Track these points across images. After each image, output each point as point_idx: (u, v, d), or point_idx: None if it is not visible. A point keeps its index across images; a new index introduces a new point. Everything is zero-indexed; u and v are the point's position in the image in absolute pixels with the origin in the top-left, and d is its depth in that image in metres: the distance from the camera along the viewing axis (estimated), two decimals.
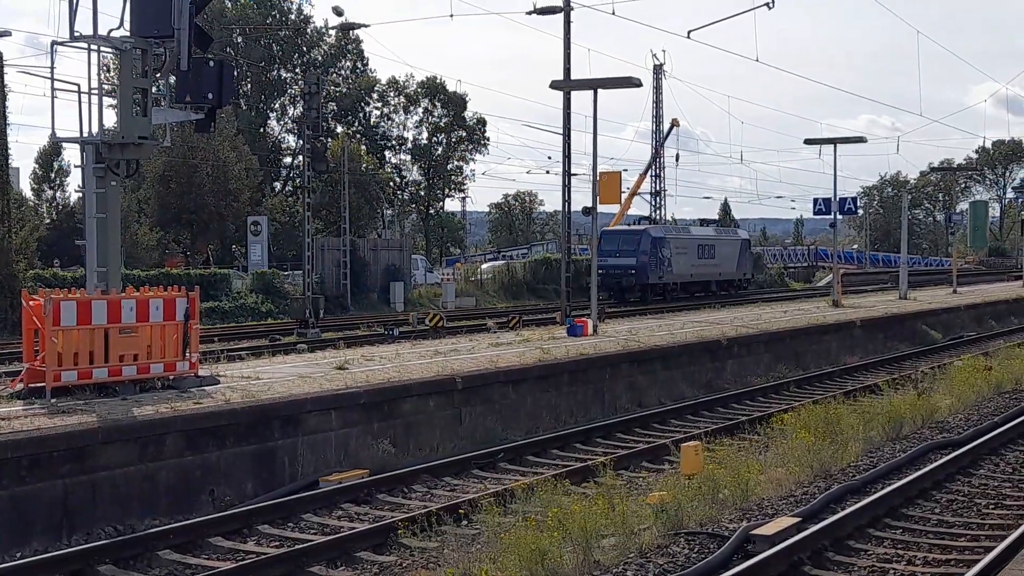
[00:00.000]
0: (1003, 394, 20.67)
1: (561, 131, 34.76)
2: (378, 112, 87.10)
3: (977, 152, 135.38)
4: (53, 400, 13.88)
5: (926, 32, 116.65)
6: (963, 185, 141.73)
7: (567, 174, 35.13)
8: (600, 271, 49.77)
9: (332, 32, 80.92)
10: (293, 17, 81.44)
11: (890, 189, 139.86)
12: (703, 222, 65.27)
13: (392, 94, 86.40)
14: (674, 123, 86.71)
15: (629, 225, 64.51)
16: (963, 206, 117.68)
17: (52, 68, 16.15)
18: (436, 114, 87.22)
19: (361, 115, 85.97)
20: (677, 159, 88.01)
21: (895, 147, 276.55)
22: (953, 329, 37.12)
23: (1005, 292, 50.80)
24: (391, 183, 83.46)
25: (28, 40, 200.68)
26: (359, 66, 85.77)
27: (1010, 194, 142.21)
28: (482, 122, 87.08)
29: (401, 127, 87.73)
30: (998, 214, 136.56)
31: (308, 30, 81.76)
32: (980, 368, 22.37)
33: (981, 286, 59.41)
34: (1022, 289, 53.92)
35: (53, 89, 16.12)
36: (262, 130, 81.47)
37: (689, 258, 57.69)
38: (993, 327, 39.88)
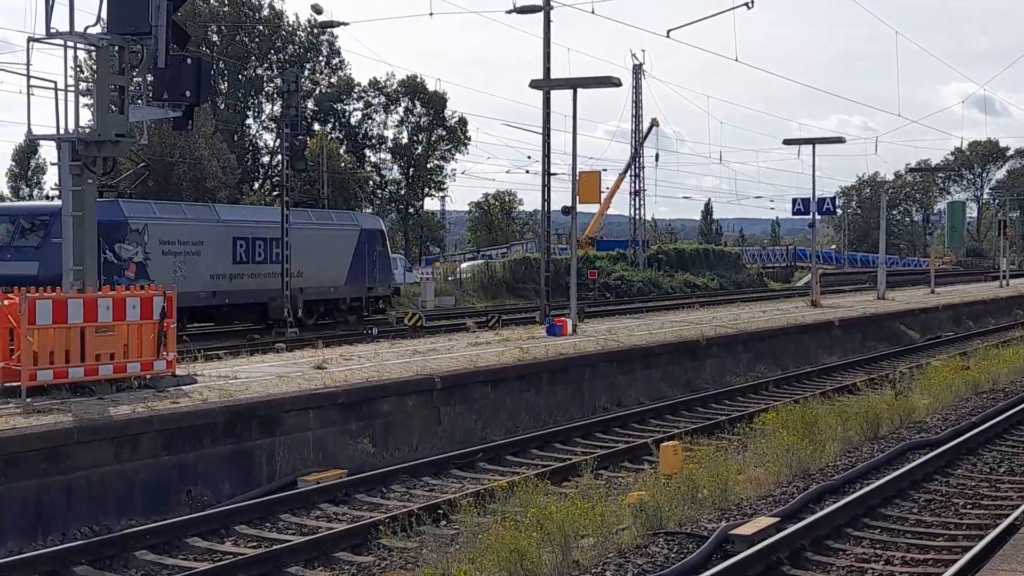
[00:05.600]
0: (980, 394, 20.74)
1: (541, 130, 34.82)
2: (358, 111, 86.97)
3: (954, 153, 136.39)
4: (28, 399, 13.75)
5: (904, 33, 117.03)
6: (940, 186, 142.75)
7: (547, 173, 35.17)
8: None
9: (309, 28, 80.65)
10: (266, 13, 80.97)
11: (868, 189, 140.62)
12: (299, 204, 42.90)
13: (372, 93, 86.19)
14: (654, 123, 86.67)
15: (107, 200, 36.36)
16: (941, 206, 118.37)
17: (28, 65, 15.99)
18: (416, 113, 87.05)
19: (341, 114, 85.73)
20: (657, 159, 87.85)
21: (871, 147, 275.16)
22: (931, 329, 37.27)
23: (982, 292, 51.09)
24: (370, 182, 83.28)
25: None
26: (335, 63, 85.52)
27: (987, 194, 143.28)
28: (463, 122, 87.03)
29: (381, 126, 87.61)
30: (975, 215, 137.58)
31: (282, 27, 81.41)
32: (958, 368, 22.46)
33: (959, 286, 59.73)
34: (999, 289, 54.28)
35: (29, 86, 15.99)
36: (240, 128, 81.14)
37: (207, 261, 34.00)
38: (971, 327, 40.08)
